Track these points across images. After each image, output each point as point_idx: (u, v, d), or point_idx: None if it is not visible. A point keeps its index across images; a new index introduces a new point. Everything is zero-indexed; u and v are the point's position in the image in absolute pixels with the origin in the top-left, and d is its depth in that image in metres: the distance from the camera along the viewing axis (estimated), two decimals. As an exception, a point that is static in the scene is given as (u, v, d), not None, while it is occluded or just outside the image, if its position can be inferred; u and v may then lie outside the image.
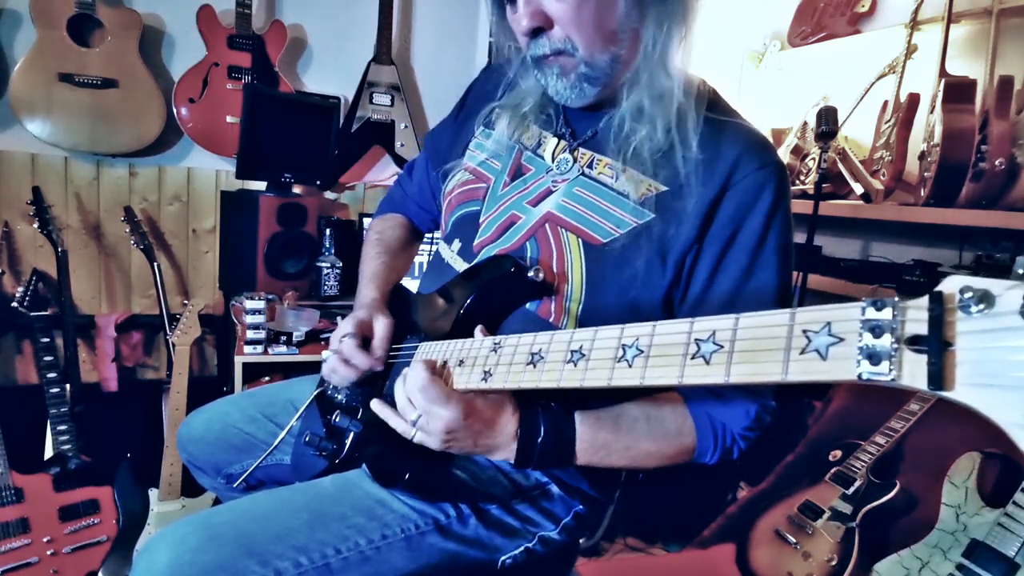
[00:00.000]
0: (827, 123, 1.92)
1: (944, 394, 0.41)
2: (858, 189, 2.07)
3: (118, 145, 2.50)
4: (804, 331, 0.49)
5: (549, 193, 1.03)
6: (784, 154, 2.41)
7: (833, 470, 1.61)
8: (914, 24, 2.01)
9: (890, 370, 0.43)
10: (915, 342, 0.43)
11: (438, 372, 0.88)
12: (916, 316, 0.43)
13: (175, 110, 2.56)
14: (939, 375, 0.41)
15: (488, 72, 1.25)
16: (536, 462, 0.90)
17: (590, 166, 1.01)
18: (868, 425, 1.66)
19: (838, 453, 1.65)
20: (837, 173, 2.14)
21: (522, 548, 1.05)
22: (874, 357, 0.44)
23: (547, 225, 1.00)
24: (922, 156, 1.89)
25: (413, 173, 1.38)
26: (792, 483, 1.66)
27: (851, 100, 2.23)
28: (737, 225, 0.93)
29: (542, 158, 1.07)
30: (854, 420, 1.72)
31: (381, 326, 1.07)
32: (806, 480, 1.64)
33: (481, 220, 1.08)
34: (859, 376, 0.44)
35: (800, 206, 2.12)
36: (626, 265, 0.94)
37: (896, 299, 0.44)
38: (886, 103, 2.07)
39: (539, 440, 0.88)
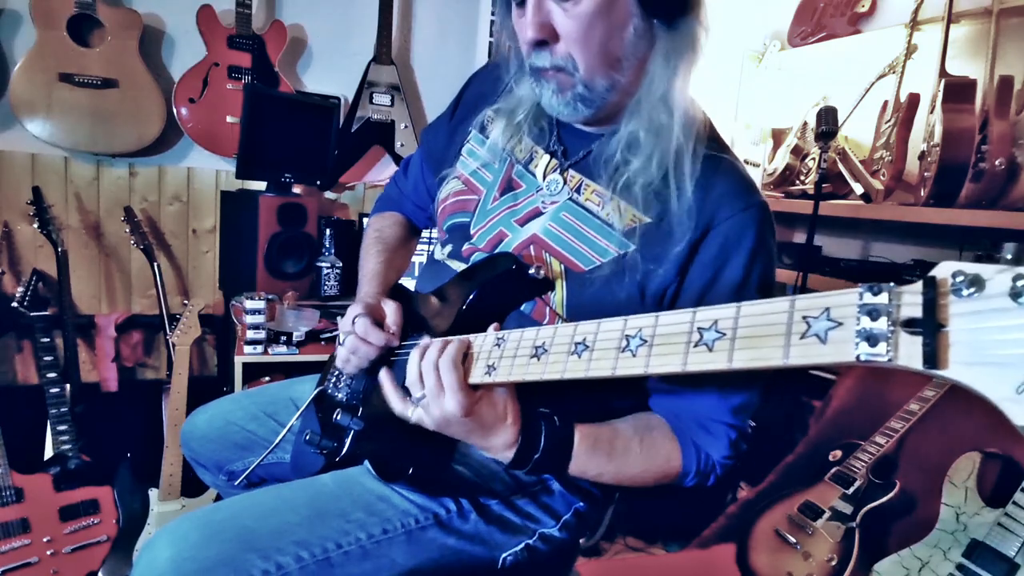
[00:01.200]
0: (827, 123, 1.92)
1: (938, 373, 0.43)
2: (858, 189, 2.07)
3: (118, 145, 2.50)
4: (804, 317, 0.50)
5: (537, 213, 1.03)
6: (784, 154, 2.41)
7: (833, 470, 1.61)
8: (914, 24, 2.02)
9: (887, 351, 0.45)
10: (910, 325, 0.45)
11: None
12: (911, 300, 0.45)
13: (175, 110, 2.56)
14: (933, 355, 0.43)
15: (485, 71, 1.25)
16: (528, 471, 0.90)
17: (578, 191, 1.01)
18: (868, 425, 1.66)
19: (838, 453, 1.65)
20: (837, 173, 2.15)
21: (522, 545, 1.05)
22: (872, 339, 0.45)
23: (532, 247, 1.01)
24: (922, 156, 1.89)
25: (409, 171, 1.38)
26: (792, 483, 1.66)
27: (851, 100, 2.23)
28: (720, 266, 0.93)
29: (533, 175, 1.07)
30: (854, 420, 1.72)
31: (391, 306, 1.06)
32: (806, 480, 1.64)
33: (472, 231, 1.09)
34: (857, 357, 0.46)
35: (800, 206, 2.13)
36: (606, 294, 0.95)
37: (892, 284, 0.46)
38: (886, 103, 2.07)
39: (535, 457, 0.88)
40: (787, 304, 0.52)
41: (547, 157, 1.06)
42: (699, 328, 0.58)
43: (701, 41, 0.93)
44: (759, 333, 0.53)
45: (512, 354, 0.78)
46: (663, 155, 0.93)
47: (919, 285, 0.45)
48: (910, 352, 0.44)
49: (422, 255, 2.20)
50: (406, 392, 0.89)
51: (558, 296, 0.98)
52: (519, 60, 1.03)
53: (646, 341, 0.62)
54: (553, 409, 0.91)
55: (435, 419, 0.84)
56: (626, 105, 0.97)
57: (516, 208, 1.05)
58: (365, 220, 2.85)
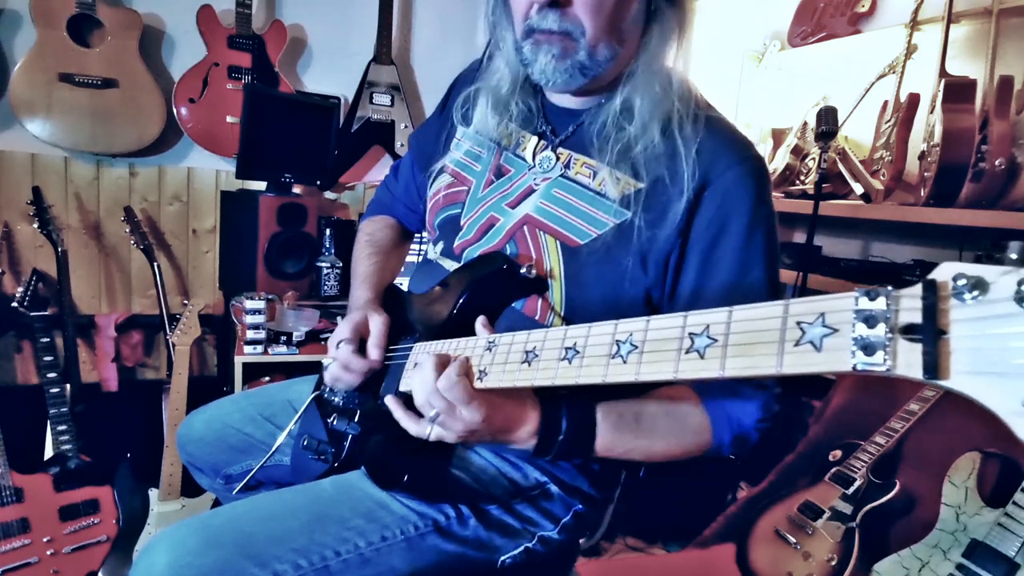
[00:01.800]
0: (827, 123, 1.92)
1: (940, 383, 0.41)
2: (858, 189, 2.07)
3: (118, 145, 2.50)
4: (798, 323, 0.48)
5: (530, 192, 1.03)
6: (784, 154, 2.41)
7: (833, 470, 1.60)
8: (914, 24, 2.01)
9: (885, 360, 0.42)
10: (909, 331, 0.42)
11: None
12: (910, 305, 0.43)
13: (175, 110, 2.56)
14: (934, 364, 0.41)
15: (471, 69, 1.24)
16: (554, 456, 0.89)
17: (567, 166, 1.01)
18: (868, 425, 1.65)
19: (838, 453, 1.65)
20: (837, 173, 2.14)
21: (522, 548, 1.04)
22: (869, 348, 0.43)
23: (525, 227, 1.01)
24: (922, 156, 1.88)
25: (399, 174, 1.38)
26: (792, 483, 1.66)
27: (851, 100, 2.22)
28: (721, 224, 0.92)
29: (522, 158, 1.07)
30: (854, 420, 1.72)
31: (376, 324, 1.06)
32: (806, 480, 1.64)
33: (462, 222, 1.09)
34: (854, 367, 0.44)
35: (800, 206, 2.12)
36: (604, 265, 0.95)
37: (890, 288, 0.43)
38: (886, 103, 2.07)
39: (559, 438, 0.87)
40: (781, 309, 0.50)
41: (535, 139, 1.06)
42: (690, 333, 0.56)
43: (692, 16, 0.96)
44: (752, 340, 0.51)
45: (503, 360, 0.77)
46: (660, 120, 0.93)
47: (918, 288, 0.42)
48: (909, 360, 0.42)
49: (419, 255, 2.20)
50: (417, 413, 0.87)
51: (555, 272, 0.97)
52: (498, 31, 1.03)
53: (636, 347, 0.61)
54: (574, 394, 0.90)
55: (458, 434, 0.83)
56: (618, 77, 0.97)
57: (507, 192, 1.05)
58: (365, 220, 2.86)
